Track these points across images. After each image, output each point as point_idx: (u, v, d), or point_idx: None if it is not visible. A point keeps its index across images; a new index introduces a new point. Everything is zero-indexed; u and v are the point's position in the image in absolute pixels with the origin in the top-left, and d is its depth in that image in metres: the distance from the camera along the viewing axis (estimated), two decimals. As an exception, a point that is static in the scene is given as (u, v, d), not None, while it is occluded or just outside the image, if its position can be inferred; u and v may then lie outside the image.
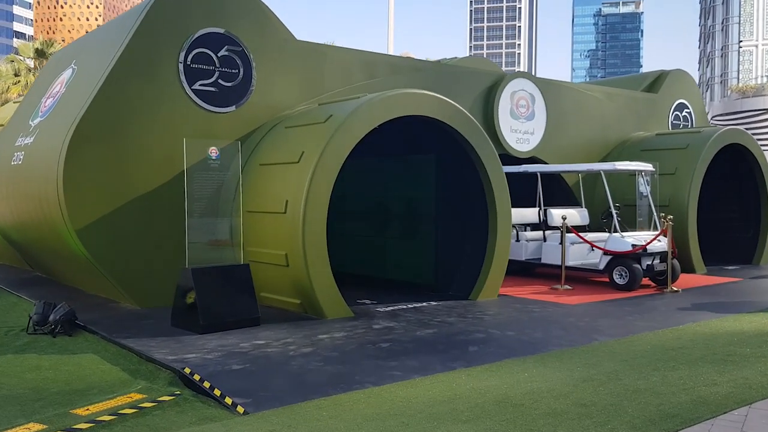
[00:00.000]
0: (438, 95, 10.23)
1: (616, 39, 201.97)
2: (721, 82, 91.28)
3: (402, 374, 6.38)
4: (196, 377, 6.23)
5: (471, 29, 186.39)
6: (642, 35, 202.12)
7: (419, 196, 11.63)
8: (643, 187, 13.77)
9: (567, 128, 15.42)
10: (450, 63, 17.22)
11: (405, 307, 9.96)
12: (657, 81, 18.22)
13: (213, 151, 8.44)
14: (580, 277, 13.24)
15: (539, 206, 13.63)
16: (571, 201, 15.41)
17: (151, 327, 8.44)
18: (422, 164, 11.54)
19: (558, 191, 15.49)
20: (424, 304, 10.22)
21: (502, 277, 10.91)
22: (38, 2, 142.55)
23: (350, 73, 12.01)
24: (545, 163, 14.73)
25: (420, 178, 11.59)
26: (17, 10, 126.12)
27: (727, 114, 52.77)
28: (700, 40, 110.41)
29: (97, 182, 9.34)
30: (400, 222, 12.02)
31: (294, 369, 6.57)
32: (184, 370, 6.41)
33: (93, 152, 9.31)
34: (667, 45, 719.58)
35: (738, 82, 79.58)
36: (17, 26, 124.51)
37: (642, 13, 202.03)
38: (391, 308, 9.84)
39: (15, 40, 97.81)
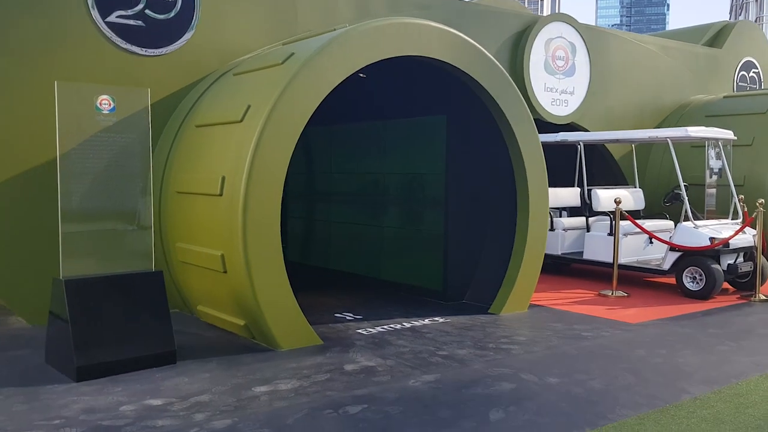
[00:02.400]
0: (451, 30, 7.26)
1: (641, 13, 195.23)
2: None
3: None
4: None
5: None
6: (668, 9, 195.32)
7: (425, 173, 8.71)
8: (715, 162, 10.73)
9: (614, 88, 12.34)
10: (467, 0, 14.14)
11: (399, 326, 7.10)
12: (720, 34, 14.99)
13: (104, 102, 5.59)
14: (631, 277, 10.27)
15: (581, 186, 10.65)
16: (613, 179, 12.37)
17: (16, 363, 5.67)
18: (429, 130, 8.60)
19: (598, 167, 12.46)
20: (427, 321, 7.35)
21: (534, 282, 8.00)
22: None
23: (335, 6, 9.06)
24: (585, 131, 11.71)
25: (426, 149, 8.66)
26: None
27: None
28: (730, 13, 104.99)
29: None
30: (399, 206, 9.12)
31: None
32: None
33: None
34: (694, 19, 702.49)
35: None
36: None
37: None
38: (380, 329, 6.99)
39: None
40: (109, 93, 5.65)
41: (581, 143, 10.50)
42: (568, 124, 11.61)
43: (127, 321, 5.53)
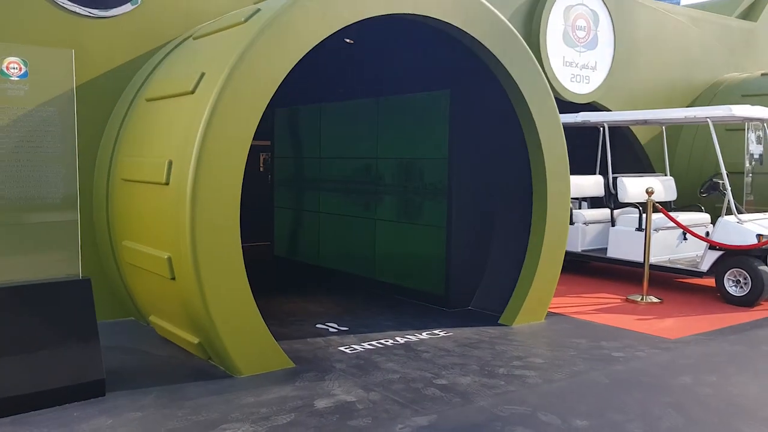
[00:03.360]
0: (453, -15, 6.01)
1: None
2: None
3: None
4: None
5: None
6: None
7: (424, 158, 7.49)
8: (755, 146, 9.47)
9: (641, 63, 11.04)
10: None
11: (391, 342, 5.91)
12: (755, 5, 13.59)
13: (12, 66, 4.40)
14: (661, 279, 9.04)
15: (604, 173, 9.40)
16: (638, 167, 11.11)
17: None
18: (429, 107, 7.37)
19: (619, 152, 11.19)
20: (424, 335, 6.16)
21: (552, 288, 6.80)
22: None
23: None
24: (608, 110, 10.43)
25: (426, 130, 7.43)
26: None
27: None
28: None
29: None
30: (395, 196, 7.91)
31: None
32: None
33: None
34: None
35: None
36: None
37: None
38: (367, 345, 5.80)
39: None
40: (20, 54, 4.45)
41: (606, 125, 9.22)
42: (588, 103, 10.34)
43: (41, 343, 4.37)
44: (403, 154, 7.77)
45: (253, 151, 5.98)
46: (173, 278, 4.97)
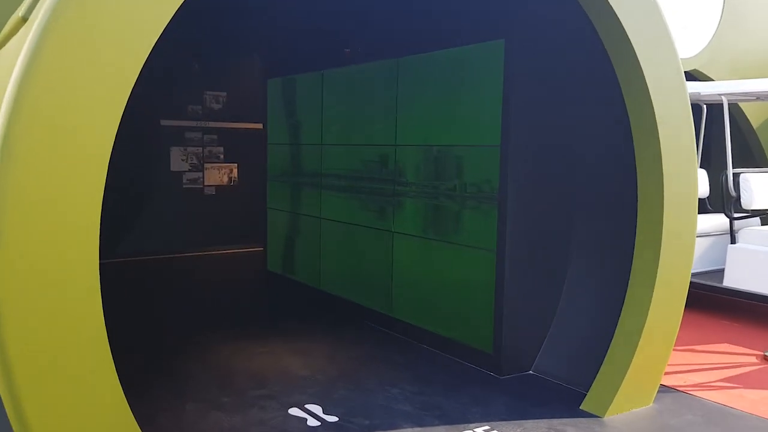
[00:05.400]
0: None
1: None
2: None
3: None
4: None
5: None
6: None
7: (466, 146, 5.02)
8: None
9: (751, 23, 8.33)
10: None
11: (405, 457, 3.52)
12: None
13: None
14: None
15: (708, 166, 6.80)
16: (748, 159, 8.43)
17: None
18: (473, 67, 4.89)
19: (718, 139, 8.51)
20: (463, 440, 3.74)
21: (667, 355, 4.28)
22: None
23: None
24: (710, 81, 7.77)
25: (467, 103, 4.96)
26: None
27: None
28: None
29: None
30: (421, 201, 5.46)
31: None
32: None
33: None
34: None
35: None
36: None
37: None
38: (364, 466, 3.41)
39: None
40: None
41: (725, 99, 6.55)
42: (688, 72, 7.70)
43: None
44: (432, 140, 5.31)
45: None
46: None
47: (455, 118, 5.08)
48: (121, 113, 2.52)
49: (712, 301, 7.04)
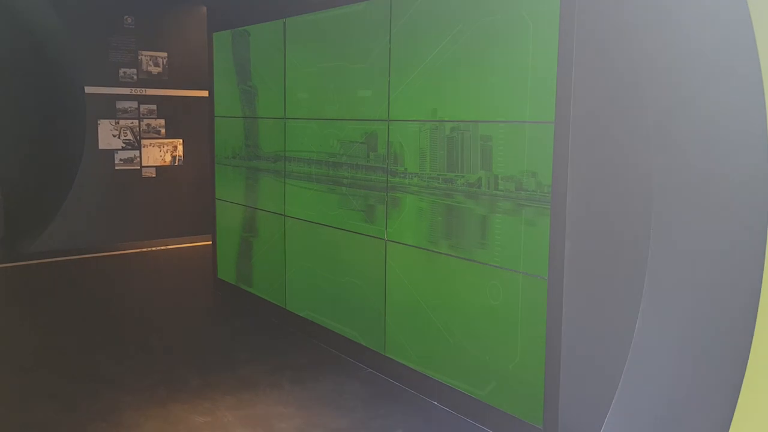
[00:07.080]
0: None
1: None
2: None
3: None
4: None
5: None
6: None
7: (497, 122, 3.42)
8: None
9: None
10: None
11: None
12: None
13: None
14: None
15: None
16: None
17: None
18: (503, 5, 3.27)
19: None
20: None
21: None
22: None
23: None
24: None
25: (498, 60, 3.35)
26: None
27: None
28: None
29: None
30: (430, 200, 3.86)
31: None
32: None
33: None
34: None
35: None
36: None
37: None
38: None
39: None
40: None
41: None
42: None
43: None
44: (444, 113, 3.70)
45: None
46: None
47: (482, 81, 3.47)
48: None
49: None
